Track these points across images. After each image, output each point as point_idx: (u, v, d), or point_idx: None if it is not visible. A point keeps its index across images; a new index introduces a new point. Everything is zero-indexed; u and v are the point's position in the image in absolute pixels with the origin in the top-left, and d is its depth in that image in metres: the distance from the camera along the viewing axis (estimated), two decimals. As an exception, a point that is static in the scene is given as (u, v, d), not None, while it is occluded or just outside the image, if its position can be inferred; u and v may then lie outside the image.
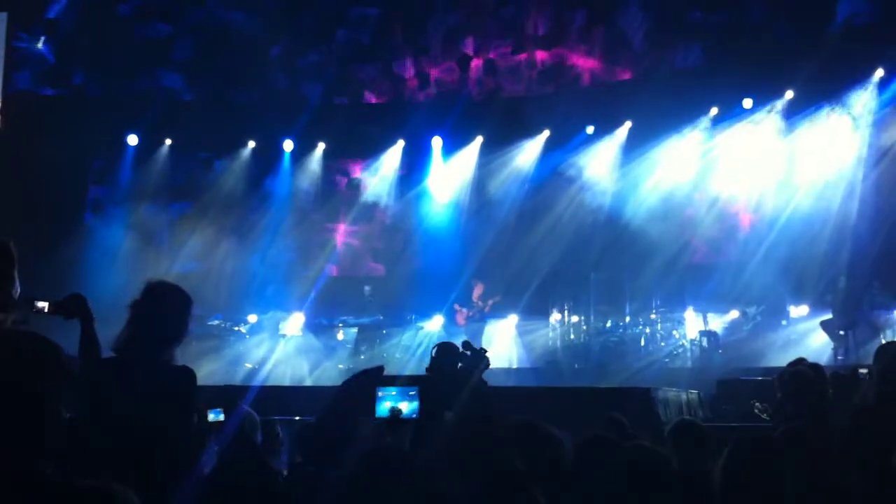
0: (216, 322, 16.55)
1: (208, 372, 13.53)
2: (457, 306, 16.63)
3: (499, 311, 16.95)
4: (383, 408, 2.55)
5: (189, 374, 4.30)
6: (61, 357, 2.95)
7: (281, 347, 16.38)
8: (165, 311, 4.27)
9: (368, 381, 2.52)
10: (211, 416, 4.72)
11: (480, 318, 16.43)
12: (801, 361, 7.34)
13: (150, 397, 4.02)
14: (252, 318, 17.02)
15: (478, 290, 16.50)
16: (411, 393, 2.55)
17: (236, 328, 16.63)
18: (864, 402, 5.42)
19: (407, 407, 2.58)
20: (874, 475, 4.24)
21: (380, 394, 2.68)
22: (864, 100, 15.67)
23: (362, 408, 2.56)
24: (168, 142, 18.77)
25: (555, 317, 17.34)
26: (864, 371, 5.72)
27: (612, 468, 3.70)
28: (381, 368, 2.65)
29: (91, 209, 18.92)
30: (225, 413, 6.00)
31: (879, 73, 15.40)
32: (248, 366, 15.57)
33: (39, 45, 18.39)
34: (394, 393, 2.64)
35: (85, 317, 4.39)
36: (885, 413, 4.96)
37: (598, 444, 3.93)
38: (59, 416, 4.36)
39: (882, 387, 5.20)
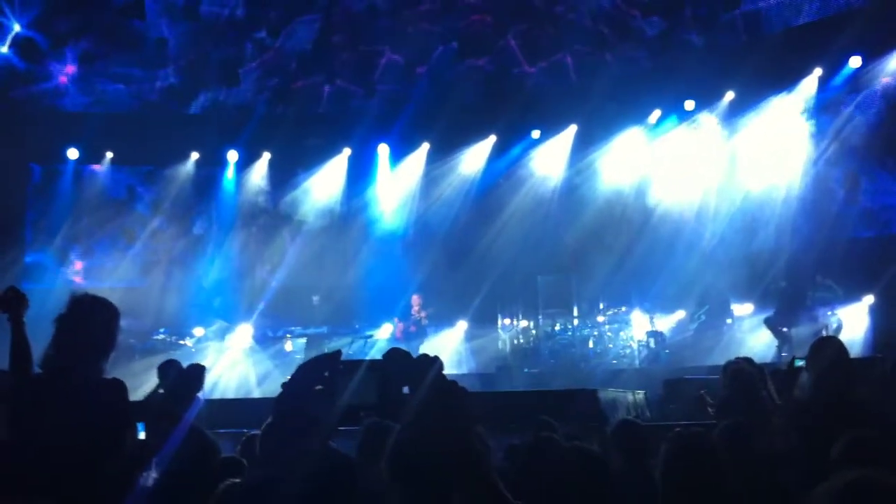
0: (161, 336, 16.34)
1: (153, 387, 13.30)
2: (395, 320, 16.76)
3: (438, 322, 16.98)
4: (340, 397, 2.47)
5: (120, 387, 4.20)
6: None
7: (228, 359, 16.21)
8: (92, 324, 4.17)
9: (323, 366, 2.43)
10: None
11: (419, 329, 16.53)
12: (743, 360, 7.44)
13: (80, 413, 3.92)
14: (198, 331, 16.82)
15: (415, 302, 16.61)
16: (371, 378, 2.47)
17: (182, 342, 16.42)
18: (800, 398, 5.49)
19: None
20: (812, 471, 4.28)
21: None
22: (803, 99, 15.90)
23: (320, 395, 2.47)
24: (109, 155, 18.49)
25: (504, 322, 17.39)
26: (800, 362, 5.77)
27: (553, 470, 3.69)
28: (338, 353, 2.56)
29: (30, 224, 18.56)
30: (168, 426, 5.89)
31: (818, 72, 15.63)
32: (194, 379, 15.35)
33: (4, 50, 17.96)
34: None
35: (16, 315, 4.27)
36: (820, 409, 5.02)
37: (538, 446, 3.93)
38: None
39: (818, 383, 5.26)
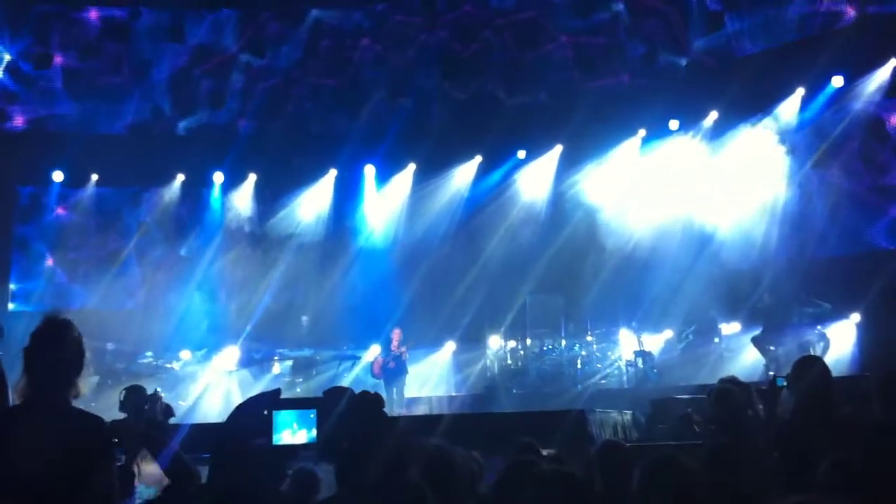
0: (147, 359, 16.25)
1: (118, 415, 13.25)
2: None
3: (426, 343, 16.93)
4: (279, 436, 2.45)
5: (95, 421, 4.11)
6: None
7: (215, 383, 16.13)
8: (60, 350, 4.06)
9: (263, 404, 2.41)
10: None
11: (398, 364, 16.02)
12: (730, 379, 7.42)
13: (52, 444, 3.83)
14: (185, 355, 16.73)
15: (395, 337, 16.15)
16: (311, 416, 2.46)
17: (168, 365, 16.33)
18: (782, 417, 5.48)
19: (306, 434, 2.48)
20: (795, 492, 4.27)
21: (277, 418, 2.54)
22: (786, 118, 15.98)
23: (258, 432, 2.45)
24: (94, 177, 18.46)
25: (492, 342, 17.35)
26: (782, 380, 5.76)
27: (531, 493, 3.67)
28: (277, 391, 2.55)
29: (17, 247, 18.51)
30: (155, 453, 5.86)
31: (800, 92, 15.73)
32: (181, 403, 15.28)
33: None
34: (290, 417, 2.53)
35: None
36: (802, 430, 5.02)
37: (518, 469, 3.90)
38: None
39: (800, 403, 5.26)
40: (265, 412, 2.45)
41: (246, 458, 2.45)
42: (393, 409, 14.32)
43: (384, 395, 15.05)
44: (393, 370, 15.93)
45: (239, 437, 2.38)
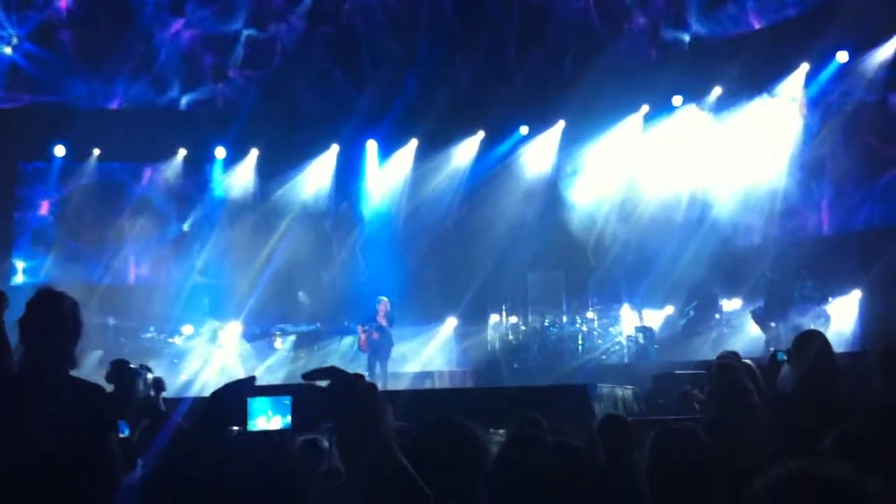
0: (150, 334, 16.30)
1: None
2: (360, 327, 15.74)
3: (428, 318, 16.90)
4: (253, 423, 2.44)
5: (102, 394, 4.11)
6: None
7: (217, 357, 16.18)
8: (59, 320, 4.05)
9: (238, 391, 2.40)
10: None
11: (382, 335, 15.24)
12: (729, 354, 7.43)
13: (61, 417, 3.81)
14: (187, 329, 16.77)
15: (382, 308, 15.48)
16: (286, 402, 2.43)
17: (170, 339, 16.38)
18: (782, 392, 5.51)
19: (280, 420, 2.47)
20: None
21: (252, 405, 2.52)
22: (790, 93, 15.93)
23: (233, 419, 2.45)
24: (96, 152, 18.43)
25: (493, 318, 17.40)
26: (783, 355, 5.77)
27: (535, 466, 3.67)
28: (252, 378, 2.53)
29: (20, 222, 18.52)
30: (155, 425, 5.87)
31: (805, 67, 15.66)
32: (183, 377, 15.35)
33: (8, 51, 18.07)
34: (264, 404, 2.51)
35: None
36: (803, 404, 5.04)
37: (521, 442, 3.91)
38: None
39: (801, 377, 5.27)
40: (240, 399, 2.43)
41: (224, 443, 2.44)
42: (378, 383, 14.16)
43: (368, 369, 14.85)
44: (377, 341, 15.27)
45: (213, 423, 2.36)
